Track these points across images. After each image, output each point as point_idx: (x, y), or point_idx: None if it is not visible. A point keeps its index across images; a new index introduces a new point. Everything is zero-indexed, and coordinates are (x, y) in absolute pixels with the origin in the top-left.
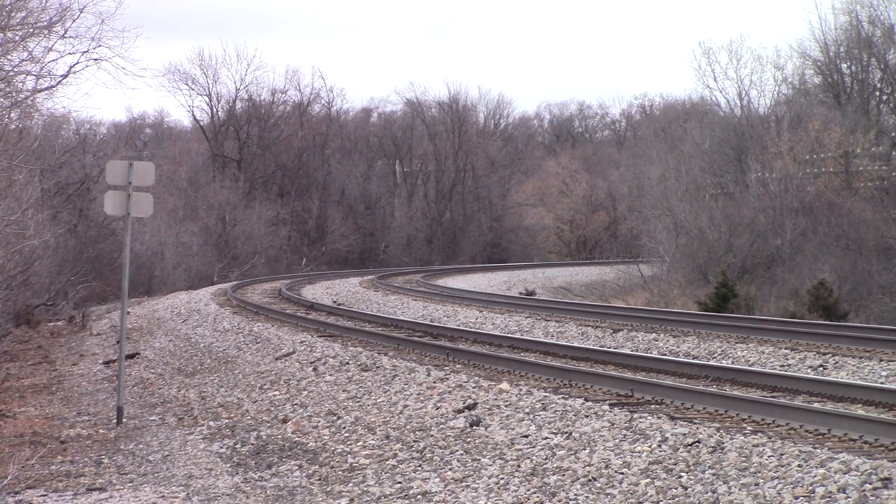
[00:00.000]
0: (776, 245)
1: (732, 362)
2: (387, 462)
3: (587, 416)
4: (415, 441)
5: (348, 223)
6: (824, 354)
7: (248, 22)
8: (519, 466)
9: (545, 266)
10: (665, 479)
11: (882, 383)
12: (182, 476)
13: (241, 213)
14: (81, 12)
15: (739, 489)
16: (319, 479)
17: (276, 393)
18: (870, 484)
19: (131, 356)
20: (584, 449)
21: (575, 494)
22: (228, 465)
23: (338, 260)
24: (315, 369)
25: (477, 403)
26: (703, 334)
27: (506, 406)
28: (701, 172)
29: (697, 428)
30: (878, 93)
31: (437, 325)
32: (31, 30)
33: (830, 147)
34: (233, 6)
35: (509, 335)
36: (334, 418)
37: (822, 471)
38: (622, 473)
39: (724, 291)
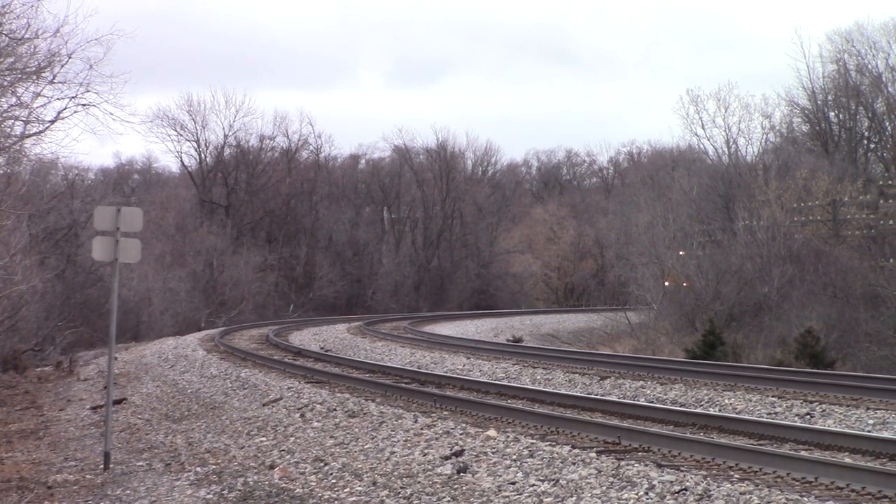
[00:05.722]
0: (763, 293)
1: (720, 410)
2: None
3: (574, 464)
4: (402, 488)
5: (336, 269)
6: (811, 402)
7: (236, 68)
8: None
9: (533, 313)
10: None
11: (869, 432)
12: None
13: (228, 259)
14: (70, 58)
15: None
16: None
17: (264, 439)
18: None
19: (118, 402)
20: (572, 496)
21: None
22: None
23: (325, 306)
24: (302, 415)
25: (464, 450)
26: (691, 382)
27: (493, 453)
28: (689, 220)
29: (685, 476)
30: (865, 141)
31: (425, 371)
32: (20, 75)
33: (818, 195)
34: (222, 53)
35: (497, 382)
36: (321, 464)
37: None
38: None
39: (712, 339)
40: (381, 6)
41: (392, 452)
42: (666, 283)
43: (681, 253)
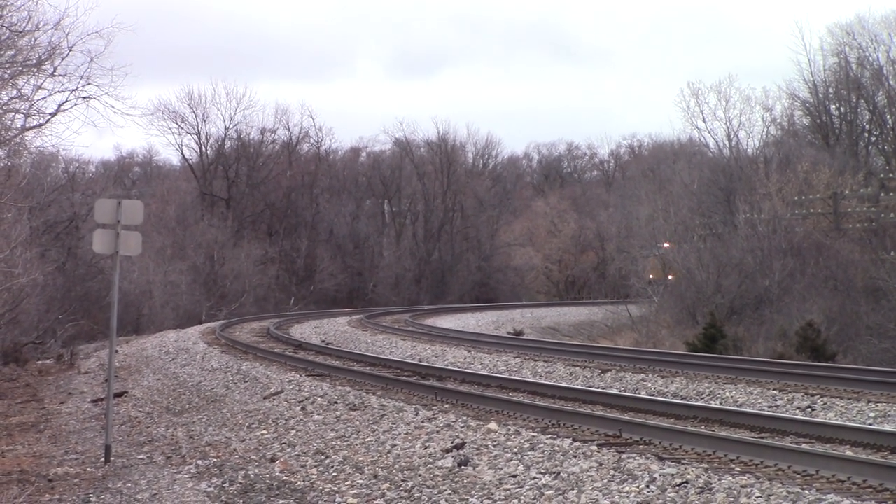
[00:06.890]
0: (764, 286)
1: (721, 403)
2: (375, 502)
3: (575, 457)
4: (403, 481)
5: (337, 262)
6: (812, 395)
7: (237, 61)
8: None
9: (534, 306)
10: None
11: (870, 424)
12: None
13: (229, 251)
14: (71, 50)
15: None
16: None
17: (265, 432)
18: None
19: (119, 395)
20: (573, 489)
21: None
22: None
23: (326, 299)
24: (303, 408)
25: (465, 443)
26: (692, 375)
27: (494, 446)
28: (689, 213)
29: (686, 468)
30: (866, 134)
31: (426, 364)
32: (21, 68)
33: (819, 188)
34: (222, 45)
35: (498, 375)
36: (322, 457)
37: None
38: None
39: (713, 332)
40: None
41: (393, 445)
42: (651, 276)
43: (665, 245)
